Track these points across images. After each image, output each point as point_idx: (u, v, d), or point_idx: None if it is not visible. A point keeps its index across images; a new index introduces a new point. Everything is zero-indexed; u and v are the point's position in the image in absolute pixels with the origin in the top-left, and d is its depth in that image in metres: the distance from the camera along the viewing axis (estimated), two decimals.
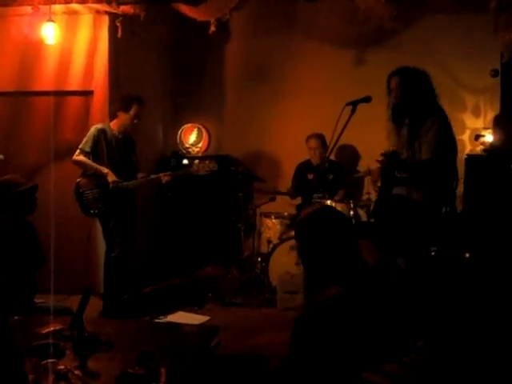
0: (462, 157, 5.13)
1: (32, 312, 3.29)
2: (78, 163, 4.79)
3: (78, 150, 4.76)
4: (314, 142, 5.72)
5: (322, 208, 2.41)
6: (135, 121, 4.84)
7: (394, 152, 3.90)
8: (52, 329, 2.67)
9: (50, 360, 2.19)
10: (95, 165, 4.75)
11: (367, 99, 3.84)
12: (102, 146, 4.77)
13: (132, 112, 4.79)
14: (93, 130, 4.81)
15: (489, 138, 5.30)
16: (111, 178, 4.71)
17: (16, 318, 2.88)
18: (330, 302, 1.88)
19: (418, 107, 3.84)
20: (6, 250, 3.34)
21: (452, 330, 2.12)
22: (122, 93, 5.11)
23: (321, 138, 5.67)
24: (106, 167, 4.74)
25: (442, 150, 3.79)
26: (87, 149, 4.74)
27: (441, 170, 3.81)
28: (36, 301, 3.54)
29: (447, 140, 3.83)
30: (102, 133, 4.78)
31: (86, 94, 5.46)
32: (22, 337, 2.33)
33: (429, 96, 3.87)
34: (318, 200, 5.24)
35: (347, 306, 1.85)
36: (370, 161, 4.58)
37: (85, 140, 4.77)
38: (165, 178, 4.87)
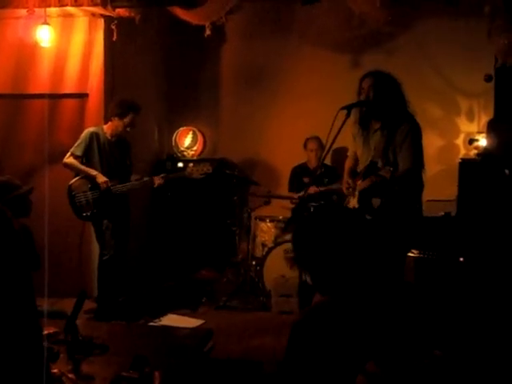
0: (455, 161, 5.15)
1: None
2: (67, 166, 4.79)
3: (69, 153, 4.77)
4: (313, 144, 5.80)
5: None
6: (128, 129, 4.82)
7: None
8: (46, 332, 2.66)
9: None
10: (84, 168, 4.74)
11: (362, 103, 3.85)
12: (94, 150, 4.76)
13: (127, 120, 4.78)
14: (85, 133, 4.80)
15: (482, 142, 5.32)
16: (101, 179, 4.70)
17: None
18: (329, 308, 1.86)
19: (389, 111, 3.81)
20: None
21: (459, 337, 2.10)
22: (119, 97, 5.06)
23: (319, 140, 5.75)
24: (99, 170, 4.74)
25: (419, 159, 3.79)
26: (78, 153, 4.73)
27: (417, 178, 3.81)
28: None
29: (421, 149, 3.83)
30: (94, 136, 4.77)
31: (81, 96, 5.45)
32: None
33: (400, 102, 3.85)
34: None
35: (346, 312, 1.84)
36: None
37: (77, 143, 4.76)
38: (157, 180, 4.87)
